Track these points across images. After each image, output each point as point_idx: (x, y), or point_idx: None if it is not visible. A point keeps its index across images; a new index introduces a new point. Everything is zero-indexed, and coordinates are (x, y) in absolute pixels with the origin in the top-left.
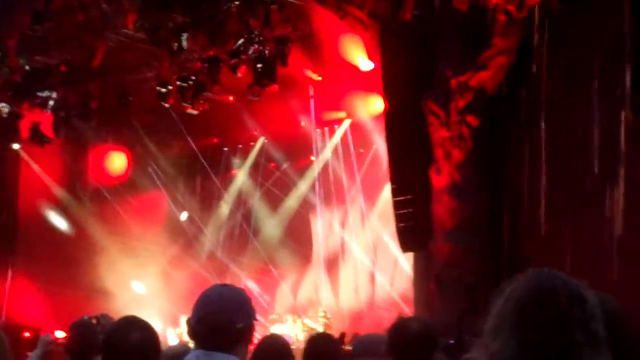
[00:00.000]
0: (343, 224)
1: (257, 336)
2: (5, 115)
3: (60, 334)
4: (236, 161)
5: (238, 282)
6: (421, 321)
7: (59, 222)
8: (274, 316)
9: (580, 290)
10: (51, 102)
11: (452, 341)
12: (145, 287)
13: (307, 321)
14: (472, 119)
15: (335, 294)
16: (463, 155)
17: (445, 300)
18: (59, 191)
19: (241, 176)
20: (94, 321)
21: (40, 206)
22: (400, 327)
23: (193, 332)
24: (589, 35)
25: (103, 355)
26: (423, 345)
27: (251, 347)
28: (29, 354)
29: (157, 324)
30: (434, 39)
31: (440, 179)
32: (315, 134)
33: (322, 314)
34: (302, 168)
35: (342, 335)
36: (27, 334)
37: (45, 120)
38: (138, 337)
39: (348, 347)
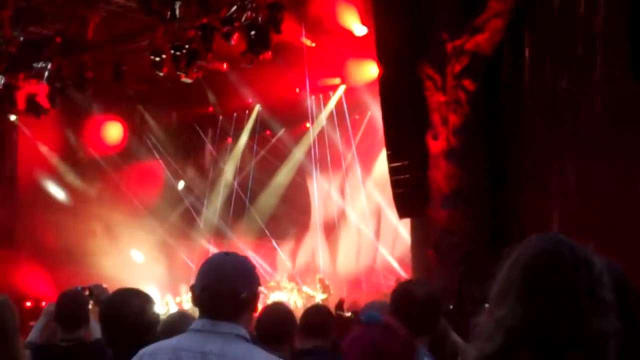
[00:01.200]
0: (340, 191)
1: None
2: (1, 87)
3: None
4: (231, 129)
5: (236, 249)
6: (425, 285)
7: (57, 191)
8: (272, 283)
9: (586, 255)
10: (46, 73)
11: (451, 307)
12: (143, 255)
13: (305, 288)
14: (468, 83)
15: (333, 260)
16: (460, 119)
17: (443, 266)
18: (56, 161)
19: (237, 144)
20: (87, 291)
21: (38, 176)
22: (404, 292)
23: (197, 301)
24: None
25: (102, 324)
26: (429, 310)
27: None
28: (32, 323)
29: (155, 293)
30: (428, 2)
31: (437, 144)
32: (310, 100)
33: (319, 281)
34: (298, 135)
35: (341, 301)
36: (28, 304)
37: (41, 91)
38: (136, 305)
39: (347, 314)
